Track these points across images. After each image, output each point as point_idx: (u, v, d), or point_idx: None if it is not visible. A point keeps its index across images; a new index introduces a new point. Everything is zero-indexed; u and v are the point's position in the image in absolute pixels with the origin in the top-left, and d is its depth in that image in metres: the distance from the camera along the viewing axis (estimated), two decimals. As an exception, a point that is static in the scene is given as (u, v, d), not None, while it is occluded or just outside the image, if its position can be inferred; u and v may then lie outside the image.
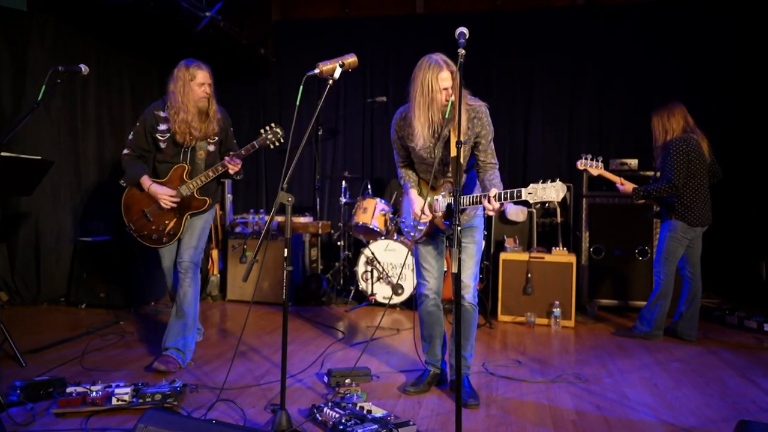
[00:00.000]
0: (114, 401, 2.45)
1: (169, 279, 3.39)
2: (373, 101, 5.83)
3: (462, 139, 2.26)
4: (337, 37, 6.39)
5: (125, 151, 3.24)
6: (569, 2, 5.99)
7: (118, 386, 2.52)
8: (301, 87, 2.31)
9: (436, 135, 2.61)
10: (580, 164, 3.88)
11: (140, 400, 2.46)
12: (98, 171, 5.14)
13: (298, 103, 2.33)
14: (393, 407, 2.57)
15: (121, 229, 5.25)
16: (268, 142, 3.13)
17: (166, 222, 3.20)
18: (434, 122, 2.56)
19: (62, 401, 2.42)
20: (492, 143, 2.68)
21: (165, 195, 3.12)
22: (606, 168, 4.03)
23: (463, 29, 2.27)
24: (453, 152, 2.52)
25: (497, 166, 2.67)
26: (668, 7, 5.70)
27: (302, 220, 5.50)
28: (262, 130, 3.16)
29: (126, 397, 2.46)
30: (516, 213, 4.90)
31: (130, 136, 3.24)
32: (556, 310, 4.22)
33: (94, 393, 2.45)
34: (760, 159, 5.39)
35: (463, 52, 2.20)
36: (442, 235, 2.79)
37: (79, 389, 2.47)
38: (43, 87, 2.63)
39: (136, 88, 5.60)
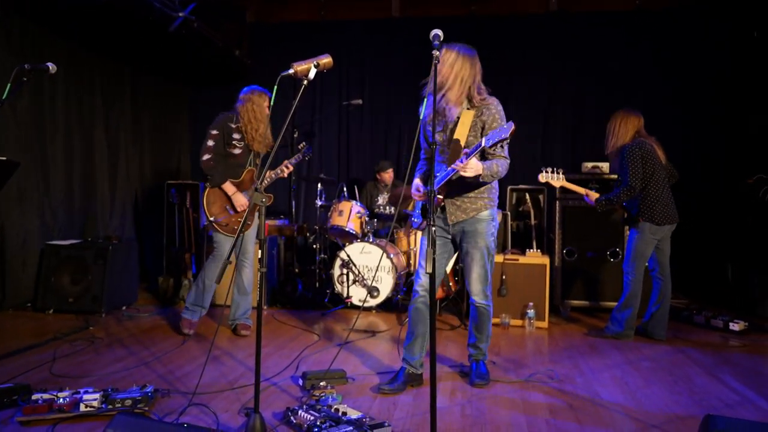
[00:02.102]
0: (82, 407, 2.38)
1: (220, 266, 3.76)
2: (348, 104, 5.82)
3: (466, 128, 2.64)
4: (313, 40, 6.38)
5: (207, 157, 3.77)
6: (543, 9, 6.10)
7: (86, 392, 2.46)
8: (275, 87, 2.30)
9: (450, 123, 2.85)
10: (542, 177, 3.97)
11: (110, 406, 2.41)
12: (66, 173, 5.02)
13: (272, 103, 2.32)
14: (368, 409, 2.57)
15: (90, 233, 5.18)
16: (306, 157, 4.00)
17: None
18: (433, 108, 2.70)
19: (27, 408, 2.34)
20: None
21: (243, 202, 3.83)
22: (578, 171, 4.11)
23: (438, 31, 2.29)
24: (456, 136, 2.76)
25: (508, 161, 2.78)
26: (641, 14, 5.85)
27: (277, 222, 5.46)
28: (299, 146, 4.05)
29: (95, 404, 2.40)
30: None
31: (210, 143, 3.77)
32: (530, 311, 4.27)
33: (61, 399, 2.38)
34: (727, 163, 5.55)
35: (437, 53, 2.23)
36: (446, 236, 2.93)
37: (46, 396, 2.40)
38: (8, 85, 2.56)
39: (106, 88, 5.49)
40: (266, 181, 3.85)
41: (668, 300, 4.03)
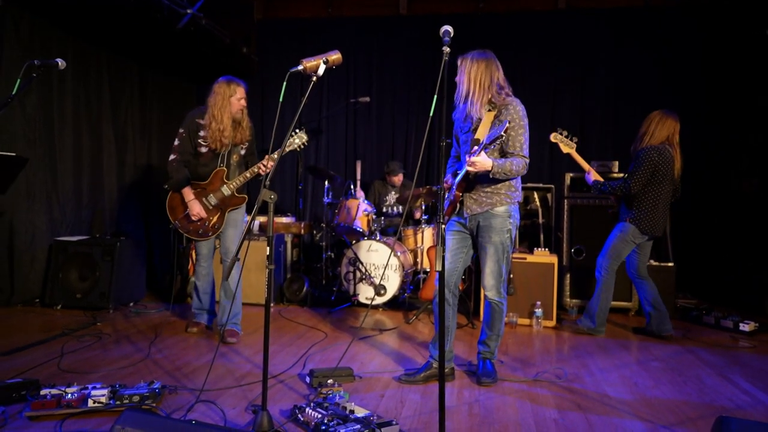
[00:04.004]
0: (90, 403, 2.39)
1: (204, 268, 3.79)
2: (356, 101, 5.82)
3: (486, 128, 2.74)
4: (320, 37, 6.37)
5: (172, 157, 3.60)
6: (551, 6, 6.06)
7: (94, 388, 2.46)
8: (284, 83, 2.29)
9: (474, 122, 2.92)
10: (553, 137, 3.87)
11: (117, 402, 2.41)
12: (74, 169, 5.04)
13: (281, 99, 2.31)
14: (376, 407, 2.56)
15: (98, 229, 5.20)
16: (295, 145, 3.49)
17: (211, 218, 3.66)
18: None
19: (36, 404, 2.35)
20: (522, 137, 2.85)
21: (197, 213, 3.58)
22: (585, 168, 4.06)
23: (448, 27, 2.29)
24: (477, 135, 2.83)
25: (525, 160, 2.84)
26: (648, 12, 5.81)
27: (284, 220, 5.46)
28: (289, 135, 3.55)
29: (103, 399, 2.41)
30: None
31: (176, 143, 3.61)
32: (538, 311, 4.25)
33: (69, 395, 2.39)
34: (737, 162, 5.50)
35: (447, 50, 2.22)
36: (464, 231, 2.98)
37: (54, 391, 2.41)
38: (18, 81, 2.56)
39: (114, 85, 5.50)
40: (238, 181, 3.61)
41: (658, 296, 4.03)
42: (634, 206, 3.89)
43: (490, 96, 2.85)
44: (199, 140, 3.57)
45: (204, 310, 3.91)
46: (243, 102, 3.59)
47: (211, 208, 3.64)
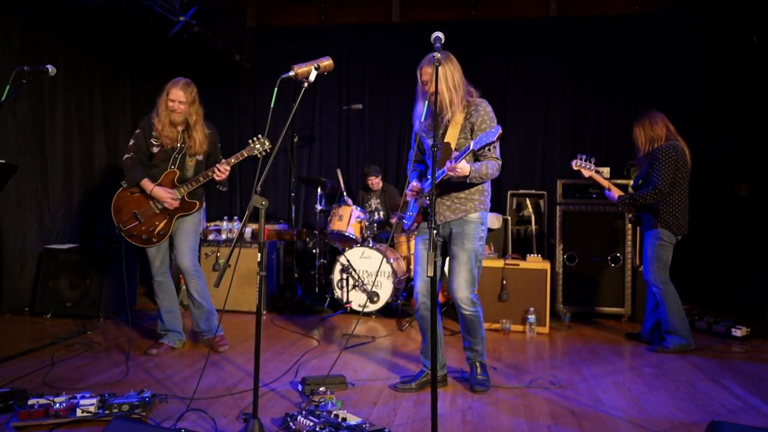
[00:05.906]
0: (79, 413, 2.36)
1: (160, 283, 3.58)
2: (348, 109, 5.82)
3: (456, 130, 2.65)
4: (313, 45, 6.38)
5: (127, 155, 3.45)
6: (542, 14, 6.11)
7: (83, 397, 2.43)
8: (276, 89, 2.29)
9: (441, 127, 2.81)
10: (575, 164, 3.92)
11: (107, 412, 2.38)
12: (65, 176, 5.01)
13: (272, 105, 2.31)
14: (368, 415, 2.54)
15: (89, 237, 5.15)
16: (255, 152, 3.21)
17: (156, 223, 3.43)
18: (432, 110, 2.74)
19: (23, 414, 2.32)
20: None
21: (168, 197, 3.37)
22: (579, 175, 4.08)
23: (439, 34, 2.30)
24: (447, 139, 2.78)
25: (498, 162, 2.79)
26: (638, 19, 5.87)
27: (277, 227, 5.43)
28: (250, 141, 3.22)
29: (91, 409, 2.38)
30: (491, 220, 4.94)
31: (131, 142, 3.47)
32: (531, 317, 4.25)
33: (57, 405, 2.36)
34: (726, 166, 5.54)
35: (438, 56, 2.22)
36: (437, 238, 2.87)
37: (42, 401, 2.38)
38: (7, 87, 2.55)
39: (106, 91, 5.48)
40: (190, 185, 3.40)
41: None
42: (661, 209, 3.82)
43: (463, 96, 2.78)
44: (152, 140, 3.42)
45: (168, 332, 3.61)
46: (175, 105, 3.34)
47: (157, 212, 3.42)
